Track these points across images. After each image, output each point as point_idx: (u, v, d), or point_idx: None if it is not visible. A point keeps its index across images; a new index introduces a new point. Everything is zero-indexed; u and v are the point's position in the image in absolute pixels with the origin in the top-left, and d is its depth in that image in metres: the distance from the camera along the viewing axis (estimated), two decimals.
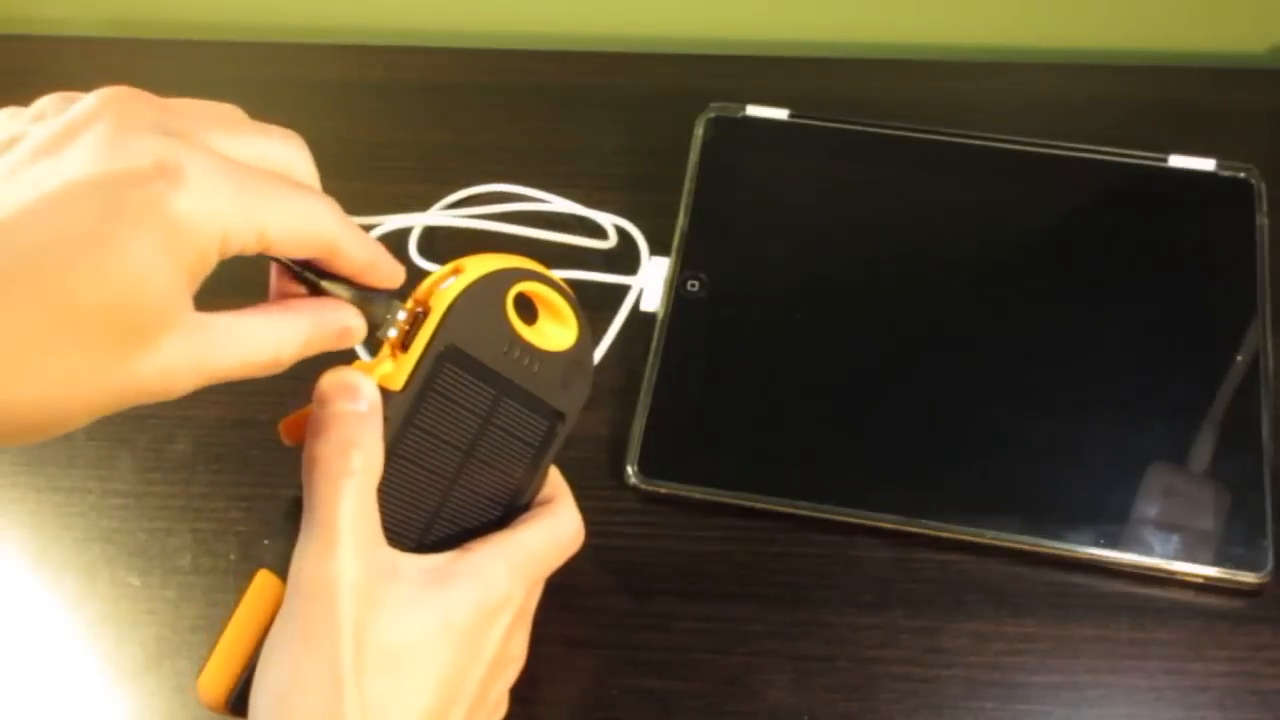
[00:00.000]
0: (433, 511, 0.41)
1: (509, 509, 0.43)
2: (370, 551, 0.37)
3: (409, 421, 0.39)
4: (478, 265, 0.40)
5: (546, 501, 0.44)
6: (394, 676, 0.37)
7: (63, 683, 0.50)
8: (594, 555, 0.43)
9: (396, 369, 0.39)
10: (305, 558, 0.36)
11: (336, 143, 0.64)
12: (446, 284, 0.39)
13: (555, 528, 0.43)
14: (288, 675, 0.36)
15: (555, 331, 0.43)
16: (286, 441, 0.40)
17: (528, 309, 0.42)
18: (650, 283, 0.57)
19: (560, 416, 0.43)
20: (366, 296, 0.38)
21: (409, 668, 0.37)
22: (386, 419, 0.38)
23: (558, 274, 0.42)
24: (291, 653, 0.36)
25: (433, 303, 0.39)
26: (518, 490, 0.43)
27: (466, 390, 0.40)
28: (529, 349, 0.41)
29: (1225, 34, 0.68)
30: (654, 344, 0.55)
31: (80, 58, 0.68)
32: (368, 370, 0.38)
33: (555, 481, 0.45)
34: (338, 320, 0.37)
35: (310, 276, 0.37)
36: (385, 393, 0.38)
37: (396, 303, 0.38)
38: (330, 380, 0.38)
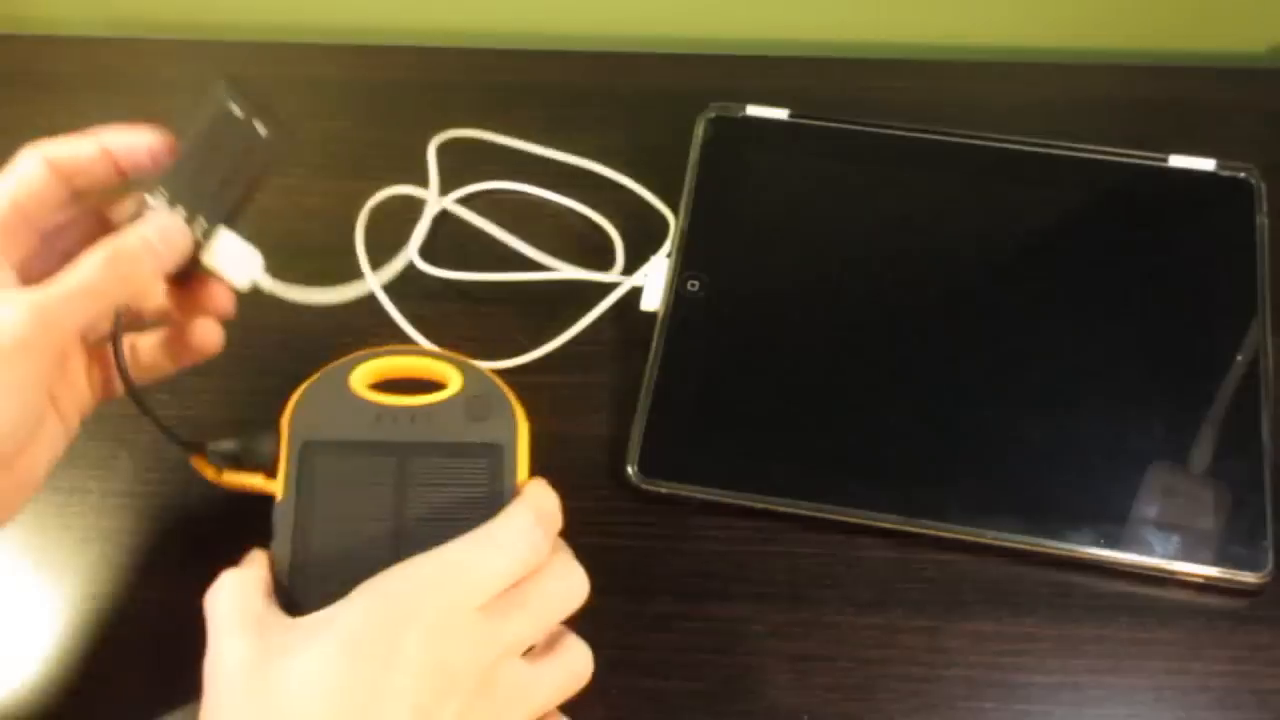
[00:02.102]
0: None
1: None
2: (253, 623, 0.39)
3: (315, 519, 0.42)
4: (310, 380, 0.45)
5: None
6: (300, 705, 0.37)
7: (62, 683, 0.50)
8: (593, 555, 0.43)
9: (278, 481, 0.43)
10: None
11: (336, 143, 0.64)
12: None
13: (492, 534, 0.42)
14: None
15: (437, 385, 0.45)
16: None
17: (413, 386, 0.45)
18: (650, 282, 0.57)
19: (495, 447, 0.43)
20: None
21: (308, 693, 0.37)
22: (290, 523, 0.42)
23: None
24: None
25: (281, 423, 0.44)
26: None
27: (356, 469, 0.43)
28: (406, 411, 0.44)
29: (1225, 34, 0.68)
30: (654, 344, 0.55)
31: (79, 58, 0.68)
32: (262, 485, 0.44)
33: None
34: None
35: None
36: (275, 504, 0.43)
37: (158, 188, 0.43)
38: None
